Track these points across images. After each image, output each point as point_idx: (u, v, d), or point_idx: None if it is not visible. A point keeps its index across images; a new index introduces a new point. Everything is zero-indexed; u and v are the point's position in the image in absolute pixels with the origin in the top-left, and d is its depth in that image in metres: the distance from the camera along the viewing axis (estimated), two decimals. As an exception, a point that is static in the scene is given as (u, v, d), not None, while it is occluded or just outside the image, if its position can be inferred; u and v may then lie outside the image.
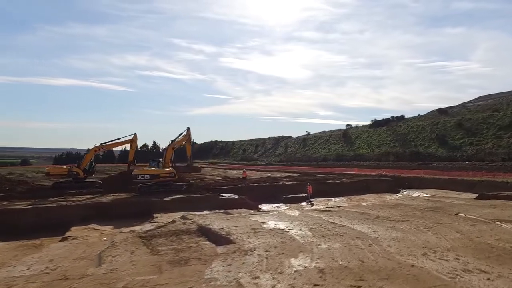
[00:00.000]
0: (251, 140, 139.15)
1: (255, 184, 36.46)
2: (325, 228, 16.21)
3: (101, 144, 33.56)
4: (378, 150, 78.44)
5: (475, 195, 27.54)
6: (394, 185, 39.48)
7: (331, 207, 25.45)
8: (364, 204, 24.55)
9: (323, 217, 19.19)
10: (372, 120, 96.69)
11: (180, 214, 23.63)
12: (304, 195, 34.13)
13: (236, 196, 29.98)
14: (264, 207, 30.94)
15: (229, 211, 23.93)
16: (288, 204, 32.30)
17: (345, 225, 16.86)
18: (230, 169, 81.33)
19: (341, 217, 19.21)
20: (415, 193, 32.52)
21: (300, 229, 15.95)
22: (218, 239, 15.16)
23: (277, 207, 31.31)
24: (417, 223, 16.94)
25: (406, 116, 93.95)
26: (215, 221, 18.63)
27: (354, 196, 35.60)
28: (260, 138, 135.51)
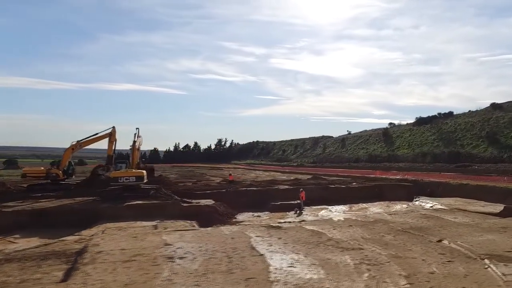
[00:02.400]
0: (292, 140, 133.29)
1: (244, 189, 31.66)
2: (229, 259, 11.47)
3: (77, 141, 30.74)
4: (419, 150, 69.75)
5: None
6: (413, 192, 32.68)
7: (303, 221, 20.26)
8: (340, 218, 18.95)
9: (257, 238, 14.31)
10: (416, 118, 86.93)
11: (125, 224, 19.98)
12: (297, 201, 28.83)
13: (207, 203, 25.60)
14: (241, 216, 26.22)
15: (166, 222, 19.69)
16: (274, 213, 27.28)
17: (261, 254, 11.94)
18: (259, 170, 76.89)
19: (280, 238, 14.29)
20: (429, 203, 25.90)
21: (191, 260, 11.36)
22: (69, 271, 11.00)
23: (257, 216, 26.46)
24: (370, 253, 11.67)
25: (455, 113, 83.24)
26: (110, 240, 14.41)
27: (359, 204, 29.62)
28: (300, 139, 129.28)
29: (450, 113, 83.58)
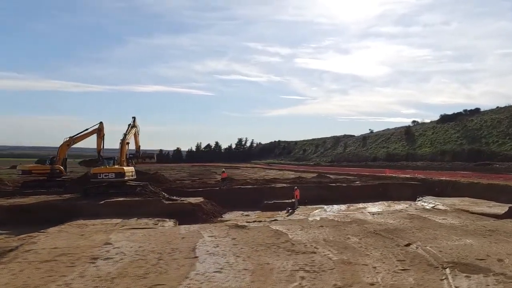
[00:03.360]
0: (313, 140, 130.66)
1: (237, 187, 30.24)
2: (158, 261, 10.24)
3: (70, 137, 30.25)
4: (442, 148, 65.97)
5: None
6: (421, 191, 30.23)
7: (274, 220, 18.64)
8: (315, 218, 17.18)
9: (209, 238, 12.92)
10: (441, 115, 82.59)
11: (91, 221, 19.04)
12: (292, 200, 27.15)
13: (195, 201, 24.39)
14: (229, 215, 24.85)
15: (141, 219, 18.60)
16: (265, 212, 25.76)
17: (195, 257, 10.63)
18: (274, 169, 75.24)
19: (235, 239, 12.83)
20: (431, 203, 23.55)
21: (115, 262, 10.12)
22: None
23: (246, 215, 25.00)
24: (319, 258, 10.46)
25: (482, 109, 78.46)
26: (52, 239, 13.41)
27: (359, 203, 27.56)
28: (321, 138, 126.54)
29: (477, 110, 78.92)
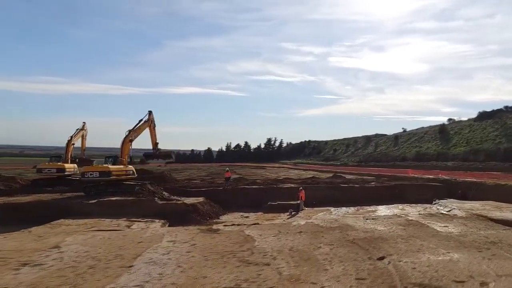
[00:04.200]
0: (344, 139, 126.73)
1: (242, 187, 28.79)
2: (89, 269, 9.05)
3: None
4: (478, 147, 61.20)
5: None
6: (442, 193, 27.44)
7: (256, 223, 17.01)
8: (300, 223, 15.38)
9: (167, 243, 11.63)
10: (479, 112, 76.96)
11: (69, 221, 18.35)
12: (297, 202, 25.37)
13: (194, 201, 23.27)
14: (227, 216, 23.48)
15: (129, 220, 17.57)
16: (268, 214, 24.18)
17: (131, 266, 9.26)
18: (299, 169, 73.15)
19: (194, 245, 11.50)
20: (447, 207, 20.94)
21: (41, 269, 9.07)
22: None
23: (245, 217, 23.51)
24: (267, 272, 8.97)
25: (525, 106, 72.16)
26: (9, 240, 12.60)
27: (371, 206, 25.34)
28: (352, 137, 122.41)
29: (519, 106, 72.76)
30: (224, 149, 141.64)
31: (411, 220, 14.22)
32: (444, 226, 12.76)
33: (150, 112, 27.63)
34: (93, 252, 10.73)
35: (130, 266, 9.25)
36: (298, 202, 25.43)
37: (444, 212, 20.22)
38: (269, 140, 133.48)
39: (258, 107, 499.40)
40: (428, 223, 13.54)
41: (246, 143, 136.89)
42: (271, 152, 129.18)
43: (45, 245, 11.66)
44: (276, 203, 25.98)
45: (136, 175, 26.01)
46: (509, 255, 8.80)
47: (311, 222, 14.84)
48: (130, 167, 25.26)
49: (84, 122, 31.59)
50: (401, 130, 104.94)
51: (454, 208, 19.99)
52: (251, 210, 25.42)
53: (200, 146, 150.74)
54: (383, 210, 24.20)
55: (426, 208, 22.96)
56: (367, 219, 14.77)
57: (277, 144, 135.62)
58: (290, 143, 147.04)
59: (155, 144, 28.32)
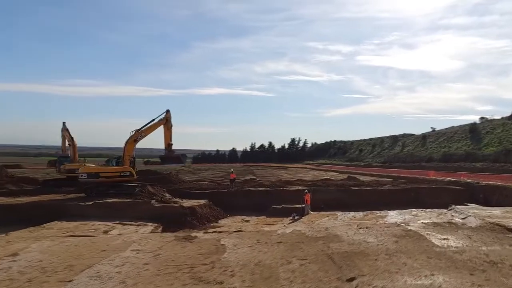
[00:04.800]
0: (371, 139, 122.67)
1: (247, 189, 27.63)
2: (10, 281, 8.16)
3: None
4: (509, 147, 57.04)
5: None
6: (463, 197, 25.22)
7: (239, 231, 15.79)
8: (285, 231, 14.00)
9: (131, 252, 10.66)
10: (514, 110, 71.80)
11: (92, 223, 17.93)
12: (302, 205, 24.01)
13: (194, 203, 22.43)
14: (227, 220, 22.49)
15: (117, 223, 16.81)
16: (270, 218, 23.04)
17: (70, 281, 8.29)
18: (320, 170, 71.18)
19: (158, 255, 10.45)
20: (462, 214, 18.83)
21: None
22: None
23: (246, 221, 22.44)
24: None
25: None
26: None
27: (381, 211, 23.64)
28: (378, 137, 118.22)
29: (558, 103, 67.38)
30: (248, 149, 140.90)
31: (410, 230, 12.55)
32: (444, 239, 11.07)
33: (167, 111, 26.37)
34: (46, 261, 9.92)
35: (70, 281, 8.32)
36: (303, 205, 24.07)
37: (457, 220, 18.22)
38: (293, 140, 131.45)
39: (284, 107, 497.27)
40: (427, 234, 11.87)
41: (270, 143, 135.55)
42: (295, 153, 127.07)
43: (4, 252, 10.98)
44: (280, 206, 24.65)
45: (134, 177, 25.18)
46: (505, 281, 7.18)
47: (299, 230, 13.47)
48: (127, 168, 24.55)
49: (64, 122, 31.17)
50: (430, 130, 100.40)
51: (470, 215, 17.93)
52: (255, 213, 24.28)
53: (227, 146, 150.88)
54: (394, 215, 22.38)
55: (441, 214, 20.91)
56: (360, 228, 13.23)
57: (301, 144, 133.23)
58: (315, 143, 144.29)
59: (167, 145, 26.79)
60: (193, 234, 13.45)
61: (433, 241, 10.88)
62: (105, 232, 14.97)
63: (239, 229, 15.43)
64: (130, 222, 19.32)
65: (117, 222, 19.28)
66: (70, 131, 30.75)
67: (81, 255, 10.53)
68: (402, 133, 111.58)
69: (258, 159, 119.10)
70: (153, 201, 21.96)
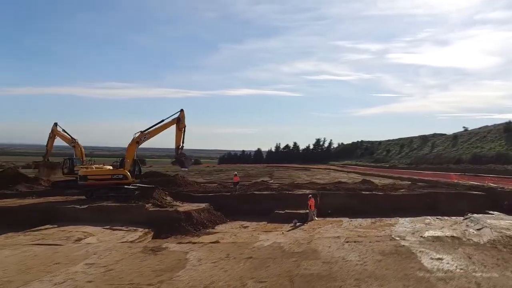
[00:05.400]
0: (399, 139, 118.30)
1: (250, 193, 26.37)
2: None
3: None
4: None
5: None
6: (487, 204, 22.87)
7: (216, 242, 14.60)
8: (263, 244, 12.66)
9: (80, 267, 9.74)
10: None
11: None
12: (306, 211, 22.57)
13: (193, 207, 21.55)
14: (225, 226, 21.38)
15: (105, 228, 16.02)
16: (272, 224, 21.73)
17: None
18: (343, 171, 68.81)
19: (110, 271, 9.38)
20: (478, 224, 16.77)
21: None
22: None
23: (245, 227, 21.22)
24: None
25: None
26: None
27: (390, 218, 21.80)
28: (407, 137, 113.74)
29: None
30: (273, 149, 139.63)
31: (402, 246, 10.90)
32: (437, 259, 9.40)
33: (181, 110, 25.07)
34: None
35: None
36: (307, 211, 22.58)
37: (471, 231, 16.18)
38: (318, 140, 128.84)
39: (312, 107, 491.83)
40: (420, 252, 10.22)
41: (294, 143, 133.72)
42: (320, 153, 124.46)
43: (-43, 263, 10.35)
44: (283, 212, 23.23)
45: (129, 180, 24.18)
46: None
47: (278, 243, 12.13)
48: (120, 170, 23.90)
49: (56, 123, 30.66)
50: (462, 129, 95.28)
51: (486, 226, 15.88)
52: (257, 218, 22.98)
53: (255, 147, 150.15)
54: (404, 224, 20.50)
55: (456, 223, 18.88)
56: (347, 242, 11.70)
57: (326, 144, 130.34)
58: (341, 143, 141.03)
59: (178, 146, 25.36)
60: (164, 245, 12.40)
61: (423, 261, 9.26)
62: (78, 240, 14.18)
63: (216, 240, 14.23)
64: (120, 227, 18.59)
65: (107, 227, 18.62)
66: (68, 131, 30.30)
67: (30, 268, 9.72)
68: (432, 133, 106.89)
69: (283, 160, 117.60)
70: (148, 205, 21.17)
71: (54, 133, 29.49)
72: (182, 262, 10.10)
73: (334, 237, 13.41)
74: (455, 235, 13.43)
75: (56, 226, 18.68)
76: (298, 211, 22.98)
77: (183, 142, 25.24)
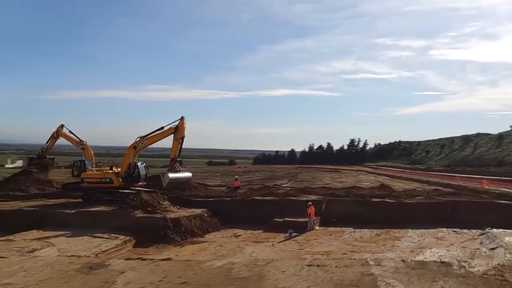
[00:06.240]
0: (440, 139, 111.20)
1: (249, 199, 24.73)
2: None
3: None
4: None
5: None
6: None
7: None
8: (219, 264, 10.99)
9: None
10: None
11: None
12: (306, 219, 20.73)
13: (187, 213, 20.45)
14: (214, 235, 19.93)
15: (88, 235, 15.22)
16: (266, 232, 20.10)
17: None
18: (373, 174, 65.35)
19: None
20: (495, 240, 14.11)
21: None
22: None
23: (238, 235, 19.72)
24: None
25: None
26: None
27: (401, 229, 19.42)
28: (448, 138, 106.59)
29: None
30: (306, 150, 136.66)
31: (368, 275, 8.84)
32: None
33: (181, 118, 23.25)
34: None
35: None
36: (307, 219, 20.63)
37: (483, 250, 13.62)
38: (352, 141, 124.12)
39: (351, 107, 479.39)
40: (386, 284, 8.16)
41: (328, 144, 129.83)
42: (354, 154, 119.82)
43: None
44: (281, 220, 21.46)
45: (115, 184, 23.22)
46: None
47: (232, 263, 10.45)
48: (108, 174, 23.44)
49: (62, 125, 30.28)
50: (509, 129, 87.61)
51: (501, 246, 13.25)
52: (255, 225, 21.41)
53: (293, 147, 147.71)
54: (412, 237, 18.10)
55: (472, 239, 16.18)
56: (309, 265, 9.79)
57: (360, 145, 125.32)
58: (378, 144, 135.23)
59: (173, 158, 23.75)
60: (107, 262, 11.13)
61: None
62: (31, 251, 13.28)
63: (168, 257, 12.74)
64: (101, 235, 17.79)
65: (89, 234, 17.92)
66: (76, 134, 29.94)
67: None
68: (476, 132, 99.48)
69: (316, 161, 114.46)
70: (137, 211, 20.23)
71: (58, 134, 29.50)
72: (107, 286, 8.77)
73: (300, 259, 11.52)
74: (447, 260, 11.02)
75: (40, 231, 18.48)
76: (298, 220, 21.08)
77: (179, 154, 23.54)
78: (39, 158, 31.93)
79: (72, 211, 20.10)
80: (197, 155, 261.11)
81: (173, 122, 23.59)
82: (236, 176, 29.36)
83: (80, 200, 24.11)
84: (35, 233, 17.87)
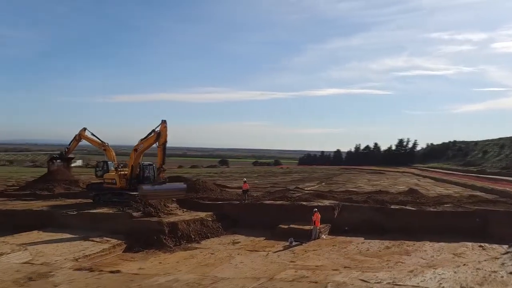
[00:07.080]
0: (499, 139, 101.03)
1: (258, 203, 23.22)
2: None
3: (105, 143, 28.82)
4: None
5: None
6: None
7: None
8: (160, 280, 9.76)
9: None
10: None
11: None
12: (311, 227, 19.01)
13: (171, 219, 19.58)
14: (212, 241, 18.88)
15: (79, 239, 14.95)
16: (270, 240, 18.76)
17: None
18: (415, 176, 60.89)
19: None
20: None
21: None
22: None
23: (236, 242, 18.51)
24: None
25: None
26: None
27: (418, 241, 17.08)
28: (509, 137, 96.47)
29: None
30: (353, 150, 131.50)
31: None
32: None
33: (162, 122, 21.13)
34: None
35: None
36: (312, 227, 18.82)
37: (503, 272, 11.11)
38: (400, 141, 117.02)
39: (404, 105, 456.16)
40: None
41: (375, 144, 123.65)
42: (403, 154, 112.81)
43: None
44: (287, 226, 19.85)
45: (117, 185, 23.07)
46: None
47: (172, 279, 9.23)
48: (112, 175, 23.57)
49: (85, 128, 29.90)
50: None
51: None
52: (260, 232, 20.10)
53: (338, 147, 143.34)
54: (427, 251, 15.80)
55: (491, 258, 13.49)
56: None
57: (410, 145, 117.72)
58: (430, 144, 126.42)
59: (158, 167, 21.87)
60: (53, 272, 10.40)
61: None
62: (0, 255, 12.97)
63: (117, 270, 11.74)
64: (94, 238, 17.42)
65: (84, 236, 17.67)
66: (98, 136, 30.10)
67: None
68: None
69: (362, 161, 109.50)
70: (137, 213, 19.70)
71: (80, 137, 29.98)
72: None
73: (255, 279, 9.96)
74: (446, 286, 8.95)
75: (40, 232, 18.59)
76: (304, 227, 19.35)
77: (163, 162, 21.35)
78: (61, 157, 33.07)
79: (74, 213, 20.04)
80: (245, 155, 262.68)
81: (157, 127, 21.36)
82: (245, 179, 28.05)
83: (91, 200, 24.25)
84: (34, 234, 17.98)
